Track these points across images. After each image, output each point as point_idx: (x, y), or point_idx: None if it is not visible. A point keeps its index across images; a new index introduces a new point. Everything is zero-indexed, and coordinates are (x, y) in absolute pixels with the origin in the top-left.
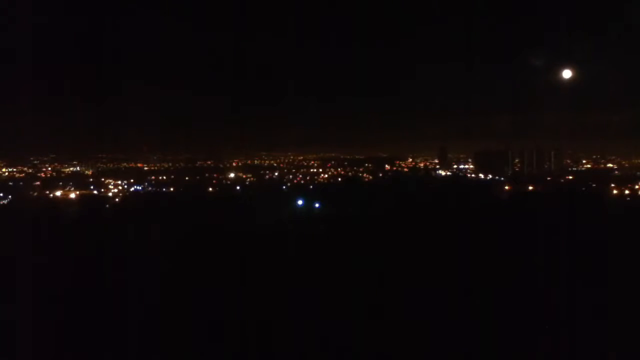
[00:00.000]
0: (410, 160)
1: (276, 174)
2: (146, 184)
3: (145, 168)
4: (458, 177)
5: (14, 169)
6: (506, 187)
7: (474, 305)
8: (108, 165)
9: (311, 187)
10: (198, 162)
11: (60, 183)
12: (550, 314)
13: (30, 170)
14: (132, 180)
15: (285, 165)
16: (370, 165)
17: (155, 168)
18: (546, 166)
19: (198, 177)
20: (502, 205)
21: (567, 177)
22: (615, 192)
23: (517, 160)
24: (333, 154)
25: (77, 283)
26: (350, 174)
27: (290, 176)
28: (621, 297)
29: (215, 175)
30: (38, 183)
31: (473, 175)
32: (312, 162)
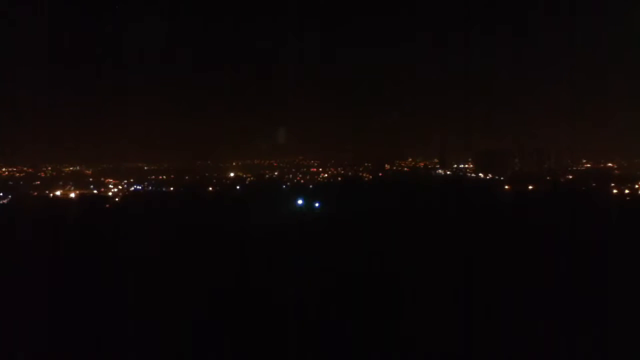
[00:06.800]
0: (410, 160)
1: (276, 173)
2: (146, 183)
3: (145, 168)
4: (458, 177)
5: (14, 169)
6: (506, 187)
7: (473, 305)
8: (108, 164)
9: (311, 186)
10: (198, 162)
11: (61, 182)
12: (550, 315)
13: (30, 170)
14: (132, 180)
15: (285, 165)
16: (370, 165)
17: (155, 167)
18: (546, 166)
19: (198, 177)
20: (502, 205)
21: (567, 177)
22: (615, 191)
23: (517, 160)
24: (333, 154)
25: (77, 283)
26: (350, 173)
27: (290, 176)
28: (621, 297)
29: (215, 174)
30: (38, 182)
31: (473, 175)
32: (312, 162)
